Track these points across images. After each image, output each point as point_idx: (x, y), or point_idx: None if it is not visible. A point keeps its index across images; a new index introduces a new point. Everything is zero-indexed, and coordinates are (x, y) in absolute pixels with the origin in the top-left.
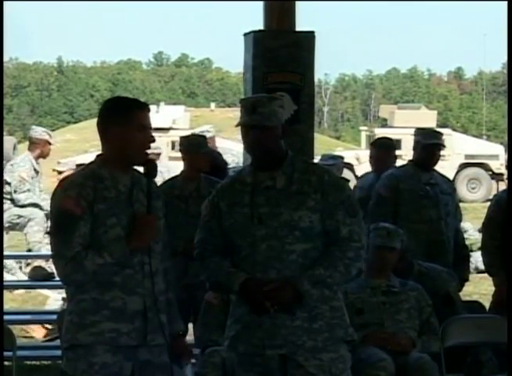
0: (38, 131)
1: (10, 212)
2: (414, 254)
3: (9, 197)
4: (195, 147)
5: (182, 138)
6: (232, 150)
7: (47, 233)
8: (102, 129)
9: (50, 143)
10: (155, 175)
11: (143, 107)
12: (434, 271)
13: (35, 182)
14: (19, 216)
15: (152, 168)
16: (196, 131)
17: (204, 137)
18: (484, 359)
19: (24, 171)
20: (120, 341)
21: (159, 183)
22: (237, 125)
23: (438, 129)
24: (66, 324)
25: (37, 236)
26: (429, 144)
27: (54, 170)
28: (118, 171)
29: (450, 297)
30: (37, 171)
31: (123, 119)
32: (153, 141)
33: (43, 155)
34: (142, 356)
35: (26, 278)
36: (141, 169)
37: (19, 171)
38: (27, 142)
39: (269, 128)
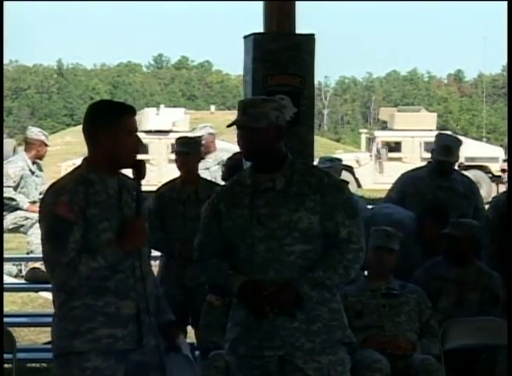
0: (34, 132)
1: (16, 214)
2: None
3: None
4: (183, 148)
5: (176, 140)
6: (232, 151)
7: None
8: (89, 133)
9: (46, 144)
10: (144, 177)
11: (131, 112)
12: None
13: (30, 182)
14: (26, 218)
15: (141, 169)
16: (197, 127)
17: (195, 139)
18: (500, 358)
19: (13, 168)
20: (116, 346)
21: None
22: (228, 126)
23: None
24: (58, 331)
25: None
26: (440, 160)
27: None
28: (106, 175)
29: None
30: (32, 172)
31: (112, 123)
32: (141, 144)
33: (39, 156)
34: (135, 358)
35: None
36: (127, 171)
37: (7, 168)
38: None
39: (257, 129)
